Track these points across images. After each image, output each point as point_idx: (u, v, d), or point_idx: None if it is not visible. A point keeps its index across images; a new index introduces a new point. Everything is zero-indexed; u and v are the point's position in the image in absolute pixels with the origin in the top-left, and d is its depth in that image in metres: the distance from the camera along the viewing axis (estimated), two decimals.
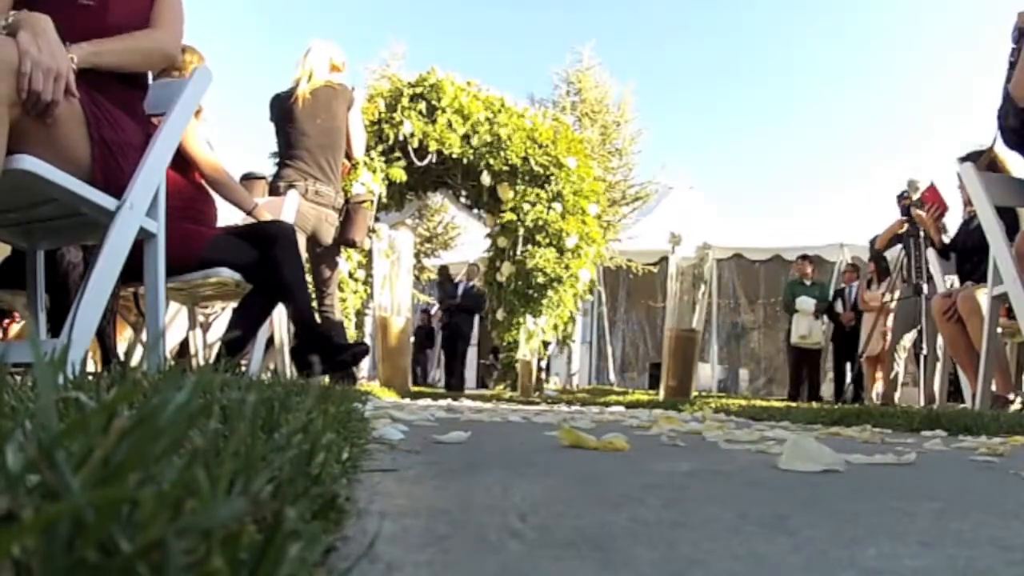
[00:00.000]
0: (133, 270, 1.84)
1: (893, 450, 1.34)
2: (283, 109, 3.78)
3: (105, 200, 1.73)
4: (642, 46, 33.42)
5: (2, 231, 2.02)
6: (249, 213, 2.98)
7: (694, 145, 33.08)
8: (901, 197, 5.08)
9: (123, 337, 3.35)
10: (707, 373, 11.29)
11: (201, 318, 3.81)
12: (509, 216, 7.12)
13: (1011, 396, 3.14)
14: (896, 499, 0.77)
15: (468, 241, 13.48)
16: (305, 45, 3.90)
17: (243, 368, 2.62)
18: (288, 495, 0.36)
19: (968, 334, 3.43)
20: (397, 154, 6.92)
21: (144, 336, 2.26)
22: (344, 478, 0.62)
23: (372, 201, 4.60)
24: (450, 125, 6.90)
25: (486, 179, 7.12)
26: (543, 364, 7.81)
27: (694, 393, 5.91)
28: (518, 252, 7.15)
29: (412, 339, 7.09)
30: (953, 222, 4.53)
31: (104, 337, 2.67)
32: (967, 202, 4.05)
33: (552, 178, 7.10)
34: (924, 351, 4.89)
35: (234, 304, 2.92)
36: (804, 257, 8.50)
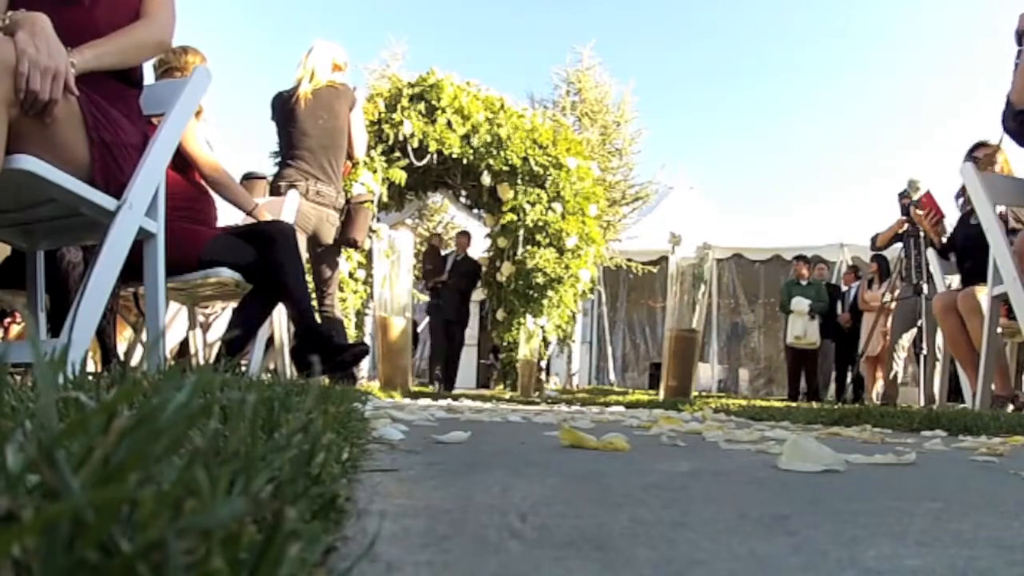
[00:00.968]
0: (133, 270, 1.84)
1: (893, 450, 1.34)
2: (285, 109, 3.78)
3: (105, 200, 1.73)
4: (642, 46, 33.40)
5: (2, 231, 2.02)
6: (249, 214, 2.98)
7: (694, 145, 33.06)
8: (902, 196, 5.09)
9: (123, 337, 3.35)
10: (707, 373, 11.29)
11: (201, 318, 3.81)
12: (509, 216, 7.13)
13: (1016, 395, 3.15)
14: (896, 499, 0.77)
15: None
16: (307, 45, 3.91)
17: (243, 368, 2.62)
18: (288, 495, 0.36)
19: (969, 333, 3.44)
20: (397, 154, 6.93)
21: (144, 336, 2.26)
22: (344, 478, 0.62)
23: (372, 201, 4.60)
24: (450, 125, 6.90)
25: (486, 179, 7.12)
26: (543, 364, 7.81)
27: (694, 393, 5.91)
28: (518, 252, 7.15)
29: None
30: (951, 223, 4.55)
31: (104, 337, 2.67)
32: (960, 193, 4.05)
33: (552, 178, 7.11)
34: (924, 351, 4.89)
35: (234, 304, 2.92)
36: (800, 258, 8.53)
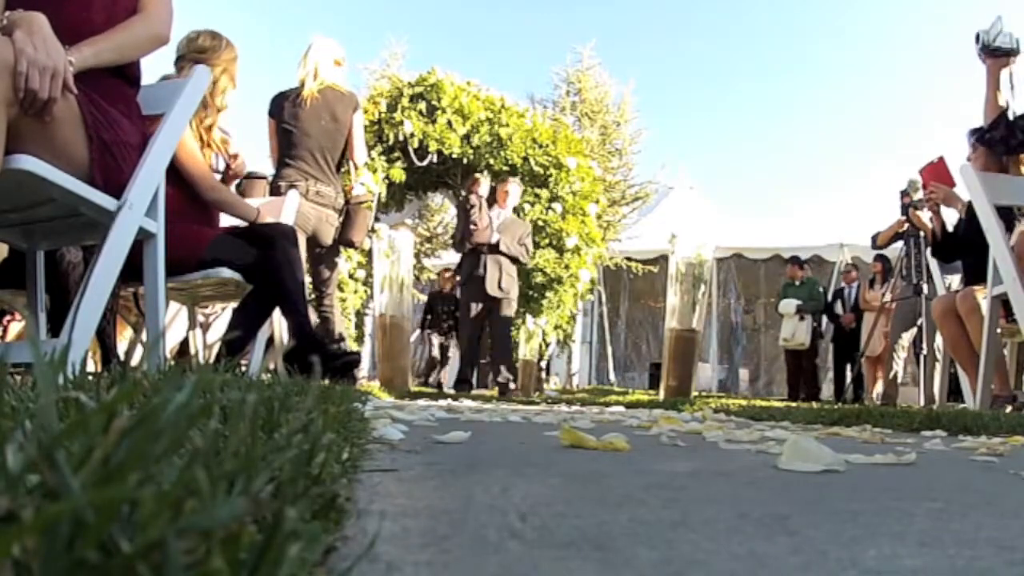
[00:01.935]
0: (133, 270, 1.84)
1: (893, 450, 1.34)
2: (287, 108, 3.81)
3: (104, 200, 1.73)
4: (642, 46, 33.42)
5: (2, 231, 2.02)
6: (252, 223, 2.97)
7: (694, 145, 33.11)
8: (903, 194, 5.08)
9: (123, 337, 3.35)
10: (707, 373, 11.30)
11: (201, 318, 3.81)
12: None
13: (1015, 395, 3.15)
14: (896, 499, 0.77)
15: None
16: (306, 43, 3.92)
17: (243, 368, 2.62)
18: (288, 495, 0.36)
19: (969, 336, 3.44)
20: (397, 154, 6.93)
21: (144, 336, 2.26)
22: (344, 478, 0.62)
23: (373, 202, 4.60)
24: (450, 125, 6.90)
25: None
26: (543, 364, 7.81)
27: (694, 393, 5.91)
28: None
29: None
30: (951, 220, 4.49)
31: (104, 337, 2.67)
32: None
33: (552, 178, 7.11)
34: (924, 351, 4.89)
35: (234, 304, 2.92)
36: (793, 259, 8.57)
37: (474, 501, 0.68)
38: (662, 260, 10.03)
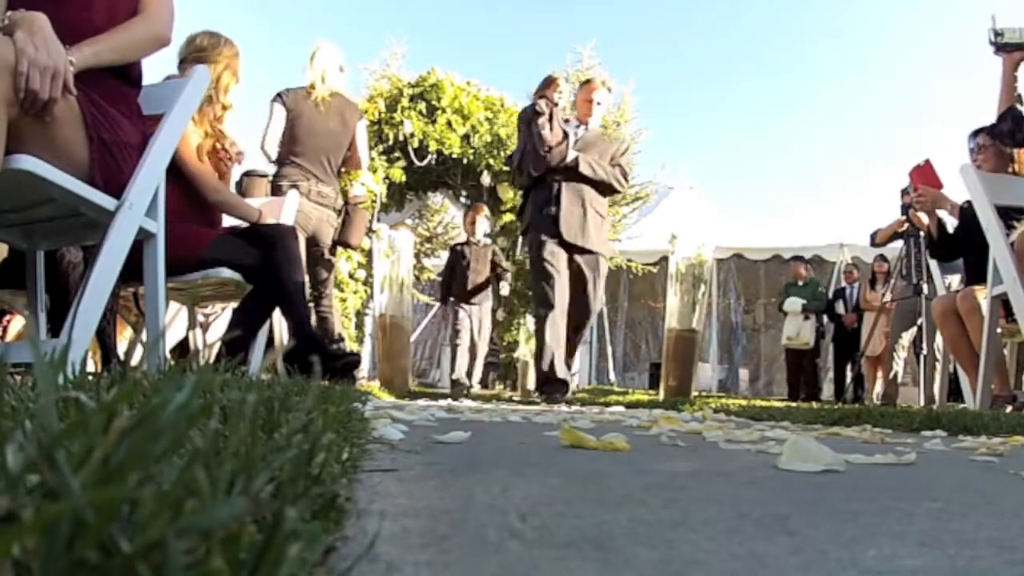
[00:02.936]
0: (133, 270, 1.84)
1: (893, 450, 1.34)
2: (295, 107, 3.83)
3: (104, 200, 1.73)
4: (642, 46, 33.43)
5: (2, 231, 2.02)
6: (254, 224, 2.98)
7: (694, 145, 33.12)
8: (903, 194, 5.08)
9: (123, 337, 3.35)
10: (707, 373, 11.28)
11: (201, 318, 3.81)
12: (509, 216, 7.12)
13: (1015, 395, 3.16)
14: (896, 499, 0.77)
15: None
16: (307, 44, 3.96)
17: (244, 368, 2.63)
18: (288, 495, 0.36)
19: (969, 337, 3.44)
20: (397, 154, 6.93)
21: (144, 336, 2.26)
22: (344, 478, 0.62)
23: (373, 202, 4.60)
24: (450, 125, 6.90)
25: (486, 179, 7.12)
26: None
27: (694, 393, 5.90)
28: (518, 252, 7.14)
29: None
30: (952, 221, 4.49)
31: (104, 337, 2.67)
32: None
33: None
34: (924, 351, 4.89)
35: (234, 304, 2.92)
36: (797, 258, 8.57)
37: (474, 501, 0.68)
38: (662, 260, 10.03)
